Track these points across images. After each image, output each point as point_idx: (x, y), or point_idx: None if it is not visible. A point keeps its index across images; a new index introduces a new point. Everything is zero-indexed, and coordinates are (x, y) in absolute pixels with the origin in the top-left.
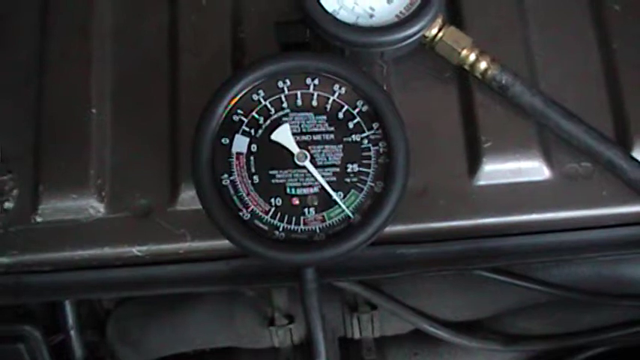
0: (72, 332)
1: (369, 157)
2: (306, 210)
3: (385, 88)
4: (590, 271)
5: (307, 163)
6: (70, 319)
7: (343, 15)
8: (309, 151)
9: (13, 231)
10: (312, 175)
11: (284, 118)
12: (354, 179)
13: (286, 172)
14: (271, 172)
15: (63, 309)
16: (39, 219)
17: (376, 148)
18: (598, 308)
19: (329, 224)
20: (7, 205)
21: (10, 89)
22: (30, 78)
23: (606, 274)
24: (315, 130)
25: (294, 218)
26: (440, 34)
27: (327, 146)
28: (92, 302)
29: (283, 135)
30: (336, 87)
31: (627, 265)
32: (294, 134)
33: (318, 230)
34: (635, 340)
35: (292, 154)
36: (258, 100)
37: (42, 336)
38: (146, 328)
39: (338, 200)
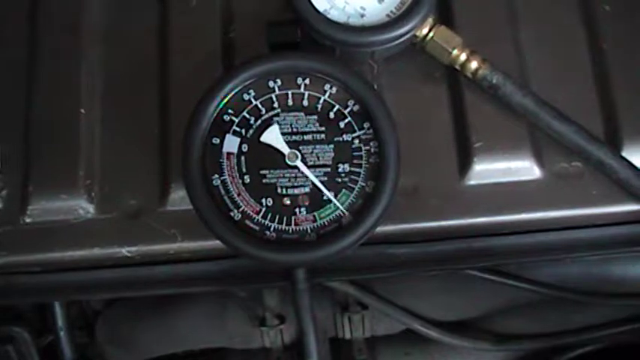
0: (61, 333)
1: (360, 157)
2: (297, 210)
3: (376, 87)
4: (579, 271)
5: (299, 163)
6: (60, 320)
7: (334, 14)
8: (300, 151)
9: (1, 232)
10: (304, 175)
11: (274, 118)
12: (345, 179)
13: (277, 172)
14: (262, 172)
15: (52, 310)
16: (28, 220)
17: (367, 147)
18: (587, 307)
19: (320, 224)
20: None
21: None
22: (19, 78)
23: (596, 273)
24: (306, 129)
25: (285, 218)
26: (431, 34)
27: (318, 146)
28: (81, 303)
29: (272, 136)
30: (327, 87)
31: (617, 264)
32: (284, 134)
33: (309, 230)
34: (624, 339)
35: (283, 155)
36: (249, 100)
37: (31, 337)
38: (136, 328)
39: (331, 197)
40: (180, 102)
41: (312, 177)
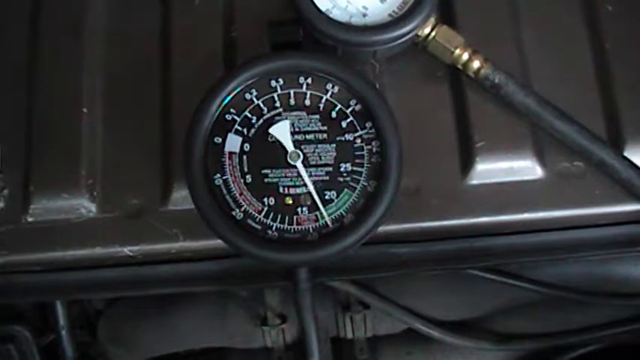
0: (63, 332)
1: (362, 157)
2: (299, 209)
3: (378, 87)
4: (581, 270)
5: (299, 164)
6: (61, 319)
7: (336, 14)
8: (302, 150)
9: (3, 231)
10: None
11: (277, 117)
12: (347, 179)
13: (279, 171)
14: (264, 172)
15: (54, 309)
16: (30, 219)
17: (369, 147)
18: (588, 307)
19: (322, 224)
20: None
21: (1, 89)
22: (21, 77)
23: (597, 273)
24: (308, 129)
25: (287, 218)
26: (433, 34)
27: (320, 145)
28: (83, 302)
29: (281, 131)
30: (329, 86)
31: (618, 264)
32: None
33: (311, 230)
34: (625, 339)
35: (285, 153)
36: (251, 100)
37: (32, 336)
38: (137, 328)
39: (320, 207)
40: (182, 101)
41: (307, 182)
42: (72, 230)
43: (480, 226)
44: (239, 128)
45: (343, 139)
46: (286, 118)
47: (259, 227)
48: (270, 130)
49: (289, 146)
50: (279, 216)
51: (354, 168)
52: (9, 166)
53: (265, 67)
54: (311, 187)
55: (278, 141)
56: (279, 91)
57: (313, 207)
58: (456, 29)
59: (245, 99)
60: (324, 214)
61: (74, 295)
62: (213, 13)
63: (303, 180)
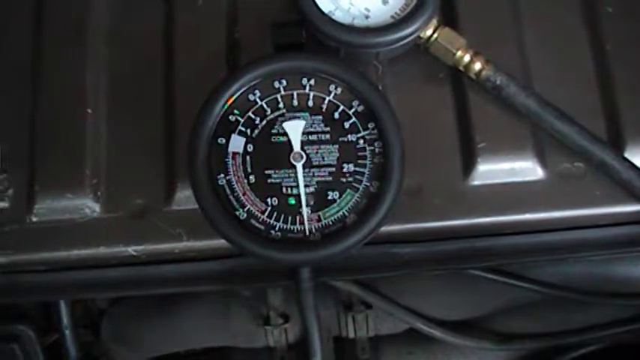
0: (66, 332)
1: (364, 157)
2: (301, 209)
3: (380, 88)
4: (582, 271)
5: (298, 165)
6: (65, 319)
7: (339, 16)
8: (305, 151)
9: (7, 230)
10: (309, 174)
11: (280, 118)
12: (350, 179)
13: (282, 171)
14: (267, 172)
15: (58, 308)
16: (34, 218)
17: (372, 148)
18: (589, 307)
19: (325, 224)
20: (2, 204)
21: (5, 89)
22: (25, 78)
23: (598, 273)
24: (311, 130)
25: (290, 218)
26: (435, 35)
27: (323, 146)
28: (86, 302)
29: (295, 129)
30: (332, 87)
31: (619, 264)
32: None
33: (314, 230)
34: (626, 338)
35: (288, 154)
36: (255, 101)
37: (36, 335)
38: (141, 327)
39: (303, 212)
40: (185, 102)
41: (301, 184)
42: (76, 230)
43: (482, 227)
44: (242, 129)
45: (346, 139)
46: (303, 119)
47: (262, 227)
48: (284, 125)
49: (297, 145)
50: (282, 216)
51: (357, 168)
52: (13, 165)
53: (268, 68)
54: (302, 190)
55: (285, 140)
56: (283, 92)
57: (316, 207)
58: (458, 31)
59: (248, 100)
60: (305, 218)
61: (78, 295)
62: (216, 14)
63: (306, 180)
